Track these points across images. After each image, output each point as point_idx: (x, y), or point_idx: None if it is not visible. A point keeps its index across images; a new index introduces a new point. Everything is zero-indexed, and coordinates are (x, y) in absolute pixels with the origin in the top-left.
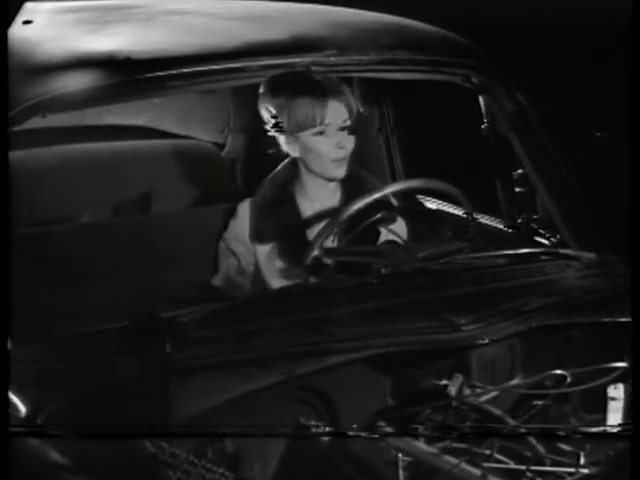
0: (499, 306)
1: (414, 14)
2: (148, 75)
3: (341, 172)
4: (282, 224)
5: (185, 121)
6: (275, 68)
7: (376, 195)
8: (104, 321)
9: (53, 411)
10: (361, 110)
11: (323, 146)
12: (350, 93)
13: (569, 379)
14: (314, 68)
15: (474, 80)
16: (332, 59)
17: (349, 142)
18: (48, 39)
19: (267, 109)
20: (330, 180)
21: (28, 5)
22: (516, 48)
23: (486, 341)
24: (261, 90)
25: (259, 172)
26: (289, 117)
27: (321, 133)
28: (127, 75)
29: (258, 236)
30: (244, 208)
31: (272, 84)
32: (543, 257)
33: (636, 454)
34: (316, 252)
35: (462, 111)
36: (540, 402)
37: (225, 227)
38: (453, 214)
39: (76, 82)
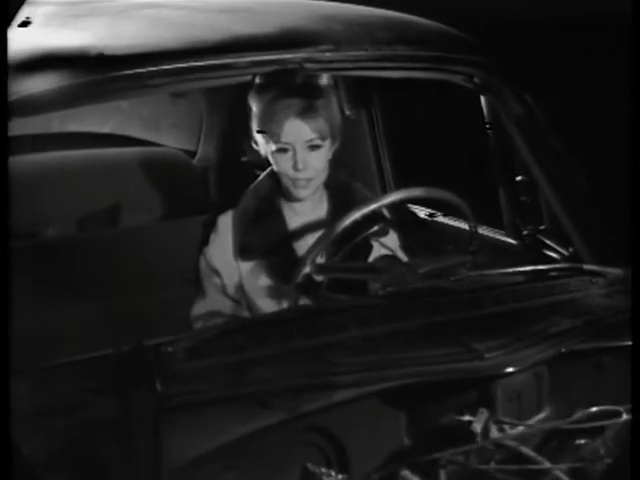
0: (523, 329)
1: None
2: (126, 72)
3: (303, 193)
4: (268, 238)
5: (154, 127)
6: (265, 65)
7: (374, 205)
8: (77, 350)
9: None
10: (348, 113)
11: (281, 165)
12: (334, 107)
13: (625, 415)
14: (308, 65)
15: (477, 79)
16: (327, 55)
17: (316, 162)
18: (13, 35)
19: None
20: (295, 200)
21: None
22: (522, 46)
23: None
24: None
25: (233, 181)
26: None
27: (280, 150)
28: (101, 72)
29: (242, 252)
30: (226, 221)
31: (262, 79)
32: (563, 273)
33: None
34: (307, 269)
35: (460, 113)
36: (584, 440)
37: (205, 242)
38: (452, 225)
39: (45, 82)
